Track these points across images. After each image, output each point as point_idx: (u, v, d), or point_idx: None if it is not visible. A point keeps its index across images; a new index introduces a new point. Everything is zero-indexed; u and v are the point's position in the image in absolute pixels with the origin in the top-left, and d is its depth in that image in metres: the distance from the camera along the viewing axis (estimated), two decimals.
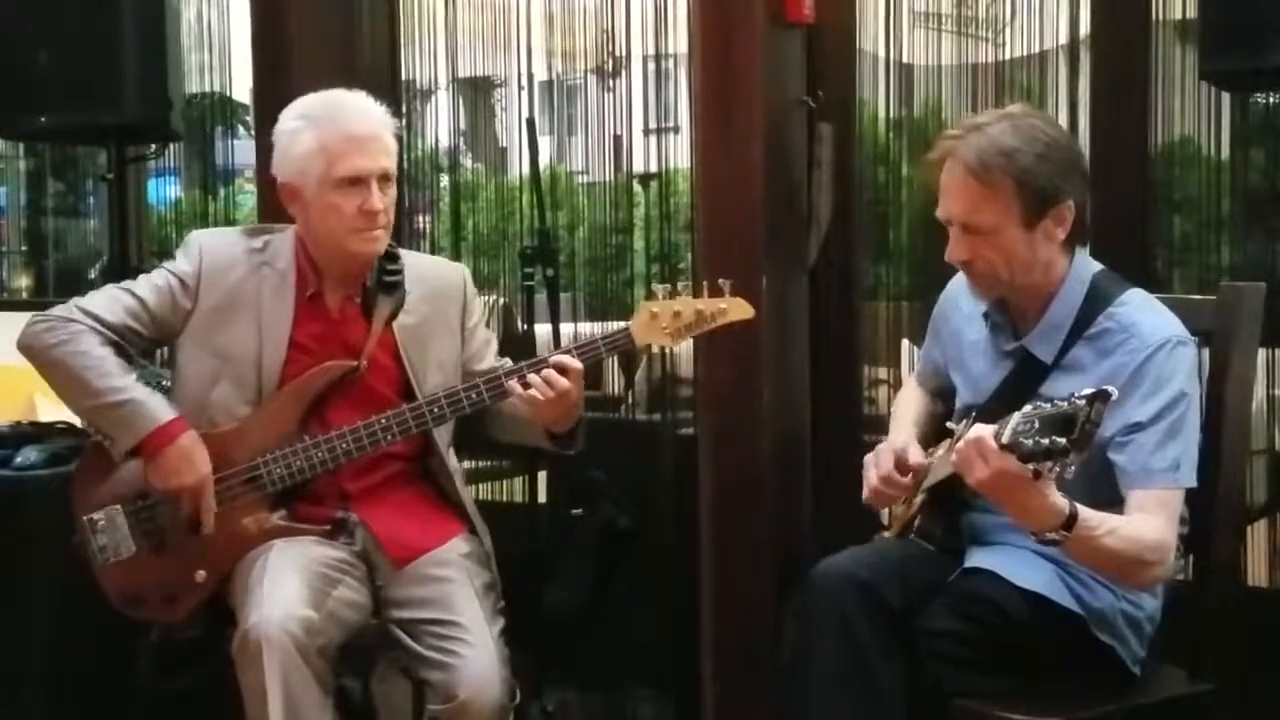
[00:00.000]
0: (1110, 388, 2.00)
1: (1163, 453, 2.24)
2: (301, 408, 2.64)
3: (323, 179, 2.60)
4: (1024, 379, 2.37)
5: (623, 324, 2.59)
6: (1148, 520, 2.22)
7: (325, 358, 2.67)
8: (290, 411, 2.64)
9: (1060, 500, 2.13)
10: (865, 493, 2.51)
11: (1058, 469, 2.04)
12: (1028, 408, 2.06)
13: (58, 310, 2.64)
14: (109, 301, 2.65)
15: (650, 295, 2.64)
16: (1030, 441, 2.02)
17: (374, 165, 2.61)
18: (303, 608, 2.44)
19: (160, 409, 2.59)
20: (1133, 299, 2.35)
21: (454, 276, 2.84)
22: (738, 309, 2.57)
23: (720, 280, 2.54)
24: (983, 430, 2.10)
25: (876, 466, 2.48)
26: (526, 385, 2.54)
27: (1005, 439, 2.05)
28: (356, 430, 2.60)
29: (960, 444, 2.14)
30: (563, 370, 2.53)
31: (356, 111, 2.64)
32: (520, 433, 2.77)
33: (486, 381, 2.60)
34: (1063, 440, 1.98)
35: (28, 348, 2.62)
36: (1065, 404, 2.00)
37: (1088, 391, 1.99)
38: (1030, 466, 2.04)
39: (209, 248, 2.72)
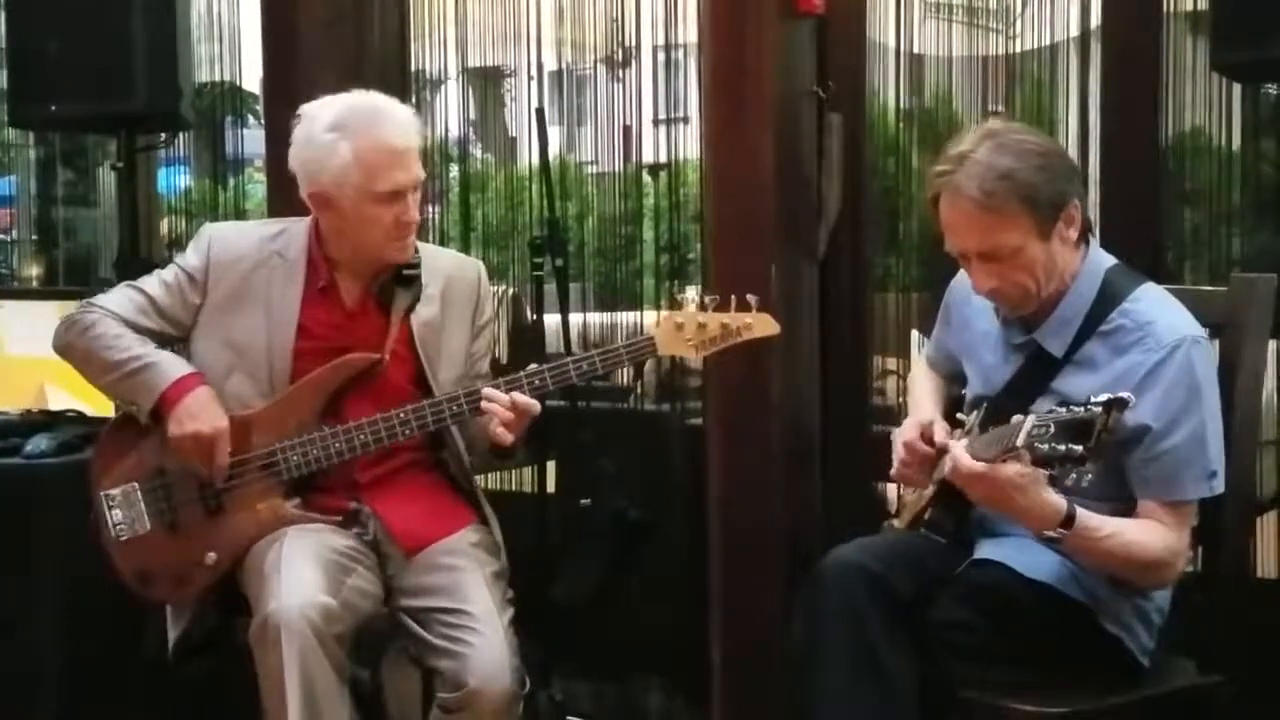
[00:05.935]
0: (1127, 394, 2.01)
1: (1195, 466, 2.25)
2: (322, 398, 2.65)
3: (360, 191, 2.59)
4: (1035, 373, 2.37)
5: (647, 335, 2.60)
6: (1155, 529, 2.24)
7: (337, 347, 2.67)
8: (310, 401, 2.64)
9: (1057, 500, 2.16)
10: (893, 470, 2.53)
11: (1074, 476, 2.06)
12: (1043, 409, 2.08)
13: (75, 309, 2.71)
14: (120, 299, 2.71)
15: (675, 305, 2.65)
16: (1046, 447, 2.04)
17: (411, 178, 2.62)
18: (321, 595, 2.44)
19: (177, 366, 2.65)
20: (1146, 294, 2.35)
21: (470, 272, 2.84)
22: (763, 325, 2.58)
23: (748, 296, 2.55)
24: (960, 455, 2.17)
25: (902, 439, 2.50)
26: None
27: (1020, 441, 2.07)
28: (375, 423, 2.60)
29: (949, 469, 2.19)
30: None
31: (393, 123, 2.62)
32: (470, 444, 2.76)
33: (507, 382, 2.59)
34: (1079, 448, 2.01)
35: (59, 348, 2.73)
36: (1082, 410, 2.02)
37: (1104, 398, 2.00)
38: (1047, 472, 2.09)
39: (218, 240, 2.74)
